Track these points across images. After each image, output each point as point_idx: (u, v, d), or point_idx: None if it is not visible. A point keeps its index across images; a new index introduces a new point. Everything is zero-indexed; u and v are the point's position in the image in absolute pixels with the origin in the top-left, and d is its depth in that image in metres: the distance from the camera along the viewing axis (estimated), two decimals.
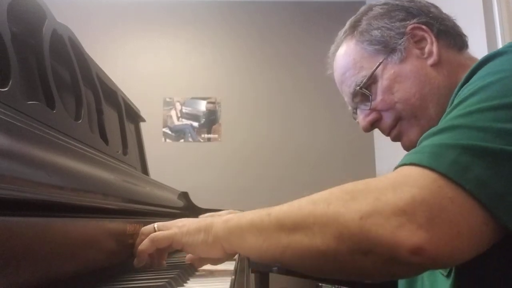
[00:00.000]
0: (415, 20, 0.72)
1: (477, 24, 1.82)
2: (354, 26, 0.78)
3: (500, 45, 1.79)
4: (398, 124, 0.74)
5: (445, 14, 0.76)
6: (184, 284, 0.55)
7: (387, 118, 0.74)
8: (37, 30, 0.71)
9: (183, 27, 3.25)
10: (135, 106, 1.44)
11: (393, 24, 0.73)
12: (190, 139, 3.13)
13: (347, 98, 0.80)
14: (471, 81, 0.53)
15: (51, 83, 0.68)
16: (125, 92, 1.29)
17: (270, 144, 3.11)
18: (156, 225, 0.66)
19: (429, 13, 0.73)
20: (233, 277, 0.51)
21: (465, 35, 0.75)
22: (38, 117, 0.59)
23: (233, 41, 3.25)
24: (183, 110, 3.15)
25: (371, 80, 0.73)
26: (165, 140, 3.12)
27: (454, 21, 0.76)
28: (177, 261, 0.77)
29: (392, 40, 0.72)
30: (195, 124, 3.15)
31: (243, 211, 0.60)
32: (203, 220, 0.63)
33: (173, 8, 3.25)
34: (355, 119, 0.82)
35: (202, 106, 3.17)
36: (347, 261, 0.45)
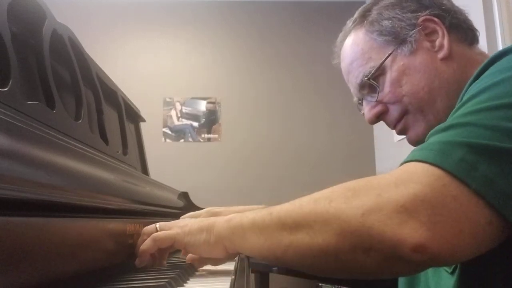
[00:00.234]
0: (427, 12, 0.70)
1: (477, 24, 1.81)
2: (364, 16, 0.76)
3: (500, 45, 1.79)
4: (404, 118, 0.72)
5: (457, 7, 0.74)
6: (184, 284, 0.55)
7: (394, 111, 0.73)
8: (37, 30, 0.71)
9: (183, 27, 3.25)
10: (135, 106, 1.44)
11: (404, 15, 0.71)
12: (190, 139, 3.13)
13: (353, 89, 0.78)
14: (481, 77, 0.52)
15: (51, 83, 0.68)
16: (125, 92, 1.29)
17: (270, 144, 3.11)
18: (158, 225, 0.66)
19: (441, 5, 0.72)
20: (233, 277, 0.51)
21: (476, 30, 0.74)
22: (38, 117, 0.59)
23: (233, 41, 3.25)
24: (183, 110, 3.15)
25: (379, 72, 0.72)
26: (165, 140, 3.12)
27: (466, 14, 0.74)
28: (177, 261, 0.77)
29: (402, 31, 0.70)
30: (195, 124, 3.15)
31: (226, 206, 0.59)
32: (205, 220, 0.63)
33: (173, 8, 3.25)
34: (360, 110, 0.81)
35: (202, 106, 3.17)
36: (349, 258, 0.45)
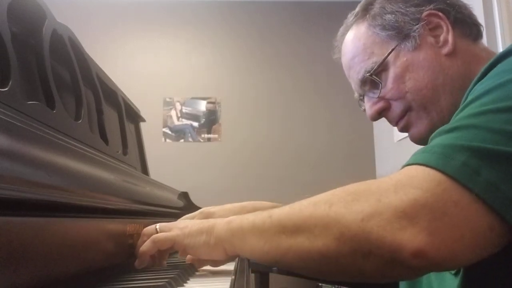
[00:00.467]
0: (431, 6, 0.68)
1: None
2: (366, 9, 0.73)
3: (500, 45, 1.79)
4: (407, 115, 0.71)
5: (461, 1, 0.72)
6: (184, 284, 0.55)
7: (396, 108, 0.71)
8: (37, 30, 0.70)
9: (183, 27, 3.25)
10: (135, 106, 1.44)
11: (408, 9, 0.69)
12: (190, 139, 3.13)
13: (354, 85, 0.76)
14: (487, 76, 0.51)
15: (51, 83, 0.68)
16: (125, 92, 1.29)
17: (270, 144, 3.11)
18: (158, 226, 0.66)
19: None
20: (233, 277, 0.51)
21: (480, 25, 0.72)
22: (38, 117, 0.59)
23: (233, 41, 3.25)
24: (183, 110, 3.15)
25: (382, 67, 0.70)
26: (165, 140, 3.12)
27: (470, 9, 0.72)
28: (177, 261, 0.77)
29: (406, 26, 0.68)
30: (195, 124, 3.15)
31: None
32: (205, 221, 0.63)
33: (173, 8, 3.25)
34: (361, 106, 0.79)
35: (202, 106, 3.17)
36: (348, 263, 0.45)
